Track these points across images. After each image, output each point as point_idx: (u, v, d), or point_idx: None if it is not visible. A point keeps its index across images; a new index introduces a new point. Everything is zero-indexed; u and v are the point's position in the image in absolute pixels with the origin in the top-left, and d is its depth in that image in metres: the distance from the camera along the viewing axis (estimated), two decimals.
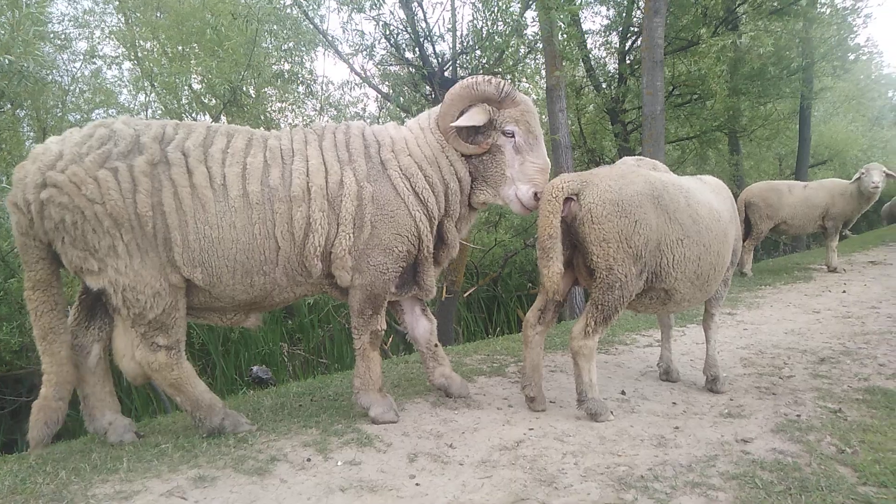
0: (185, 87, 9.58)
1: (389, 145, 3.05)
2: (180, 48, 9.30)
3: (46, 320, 2.70)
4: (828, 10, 12.17)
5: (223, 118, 10.26)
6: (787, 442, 2.91)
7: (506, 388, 3.66)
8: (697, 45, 10.18)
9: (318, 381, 3.73)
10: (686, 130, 12.40)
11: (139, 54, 9.46)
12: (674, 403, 3.45)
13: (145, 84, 9.32)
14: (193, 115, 10.51)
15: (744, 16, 10.73)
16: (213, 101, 9.69)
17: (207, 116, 10.37)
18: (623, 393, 3.61)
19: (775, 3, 10.70)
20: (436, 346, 3.40)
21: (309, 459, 2.61)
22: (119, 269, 2.58)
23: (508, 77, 8.36)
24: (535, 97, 12.99)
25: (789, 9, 10.65)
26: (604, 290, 3.06)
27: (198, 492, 2.34)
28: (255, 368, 6.49)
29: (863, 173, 8.36)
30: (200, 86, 9.72)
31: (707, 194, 3.47)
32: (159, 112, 10.04)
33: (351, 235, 2.88)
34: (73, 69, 8.51)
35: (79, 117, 8.17)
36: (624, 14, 11.31)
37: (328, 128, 3.08)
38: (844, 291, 7.11)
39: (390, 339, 8.70)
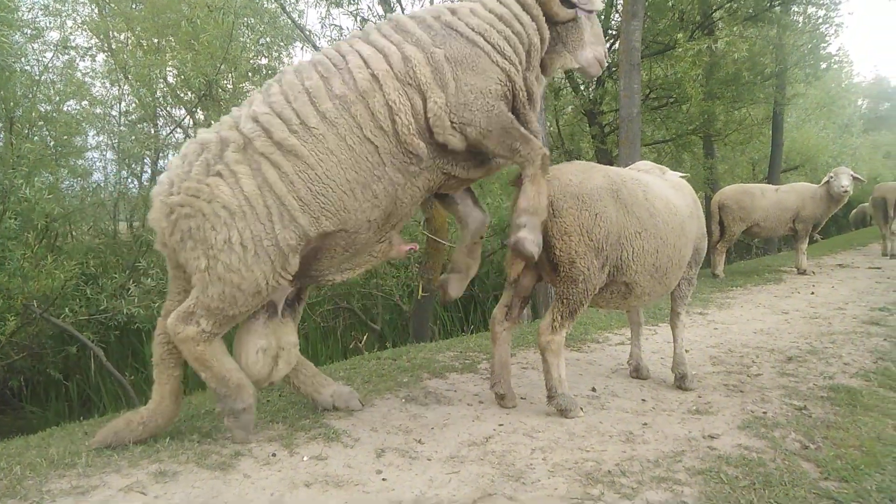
0: (161, 80, 9.44)
1: (449, 13, 3.07)
2: (155, 40, 9.15)
3: (165, 350, 2.77)
4: (801, 19, 12.41)
5: (199, 112, 10.15)
6: (753, 438, 2.95)
7: (477, 384, 3.65)
8: (674, 49, 10.29)
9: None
10: (662, 133, 12.55)
11: (113, 46, 9.29)
12: (643, 400, 3.47)
13: (119, 76, 9.15)
14: (168, 108, 10.37)
15: (719, 21, 10.88)
16: (189, 94, 9.56)
17: (182, 110, 10.24)
18: (593, 390, 3.63)
19: (750, 10, 10.86)
20: (481, 238, 3.46)
21: (274, 454, 2.57)
22: (230, 266, 2.59)
23: None
24: None
25: (764, 15, 10.83)
26: (567, 283, 3.09)
27: (158, 487, 2.29)
28: None
29: (832, 177, 8.55)
30: (175, 79, 9.59)
31: (666, 190, 3.52)
32: (133, 105, 9.87)
33: (438, 97, 2.84)
34: (45, 59, 8.32)
35: (49, 108, 7.99)
36: (602, 17, 11.40)
37: (370, 26, 3.08)
38: (813, 293, 7.24)
39: (365, 337, 8.66)
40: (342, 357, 5.63)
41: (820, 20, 12.41)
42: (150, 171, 10.55)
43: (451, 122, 2.87)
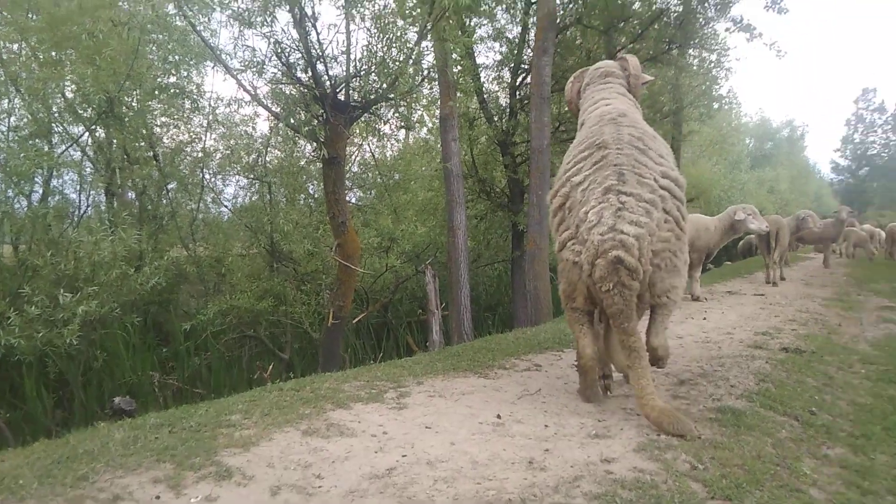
0: (58, 95, 8.89)
1: None
2: (54, 53, 8.62)
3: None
4: (696, 62, 13.41)
5: (99, 130, 9.60)
6: (647, 461, 3.06)
7: (382, 414, 3.60)
8: None
9: (180, 412, 3.47)
10: None
11: (4, 57, 8.67)
12: (546, 426, 3.53)
13: (10, 89, 8.53)
14: (65, 124, 9.76)
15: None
16: (89, 110, 9.06)
17: (81, 127, 9.67)
18: (499, 416, 3.66)
19: (651, 52, 11.62)
20: None
21: (158, 497, 2.40)
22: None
23: (403, 104, 8.44)
24: (430, 126, 13.24)
25: (662, 57, 11.61)
26: None
27: None
28: (117, 400, 5.97)
29: (746, 216, 9.38)
30: (74, 94, 9.06)
31: None
32: (25, 119, 9.22)
33: None
34: None
35: None
36: (515, 51, 11.83)
37: None
38: (705, 318, 7.69)
39: (271, 366, 8.37)
40: (248, 388, 5.39)
41: (712, 64, 13.47)
42: (41, 190, 9.88)
43: None
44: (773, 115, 56.99)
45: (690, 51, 12.68)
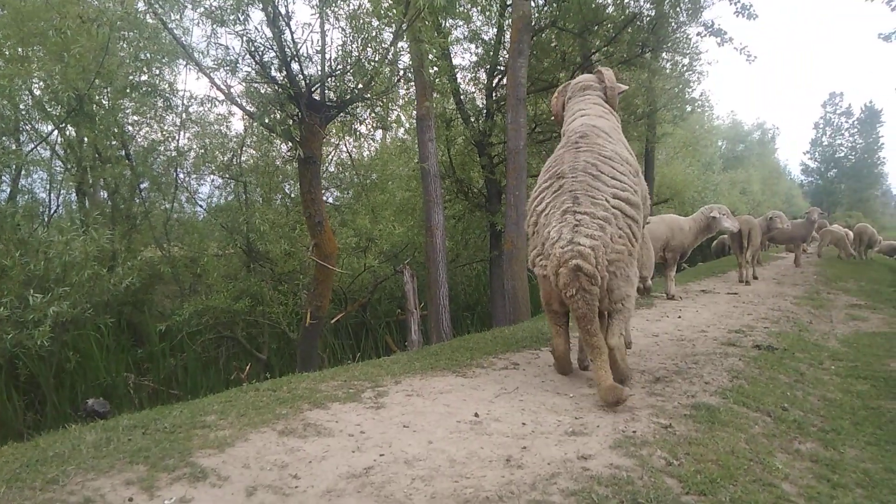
0: (26, 92, 8.69)
1: None
2: (20, 50, 8.42)
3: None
4: (669, 65, 13.59)
5: (69, 128, 9.40)
6: (623, 457, 3.09)
7: (360, 413, 3.58)
8: (557, 86, 10.88)
9: (154, 413, 3.41)
10: None
11: None
12: (523, 424, 3.55)
13: None
14: (33, 122, 9.55)
15: (597, 63, 11.66)
16: (58, 108, 8.88)
17: (50, 125, 9.47)
18: (476, 415, 3.66)
19: (624, 55, 11.75)
20: None
21: (131, 499, 2.36)
22: None
23: (379, 104, 8.42)
24: (406, 126, 13.23)
25: (636, 60, 11.75)
26: None
27: None
28: (90, 401, 5.86)
29: (718, 216, 9.52)
30: (43, 92, 8.87)
31: None
32: None
33: None
34: None
35: None
36: (491, 53, 11.87)
37: None
38: (680, 317, 7.79)
39: (248, 367, 8.29)
40: (225, 388, 5.31)
41: (685, 68, 13.66)
42: (9, 189, 9.65)
43: None
44: (744, 118, 58.17)
45: (663, 54, 12.85)
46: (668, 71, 13.46)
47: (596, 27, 11.58)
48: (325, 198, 10.80)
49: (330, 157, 12.04)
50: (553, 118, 5.98)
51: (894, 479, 3.36)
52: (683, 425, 3.63)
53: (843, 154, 59.62)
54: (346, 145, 12.31)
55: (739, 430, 3.69)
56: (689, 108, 15.45)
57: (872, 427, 4.22)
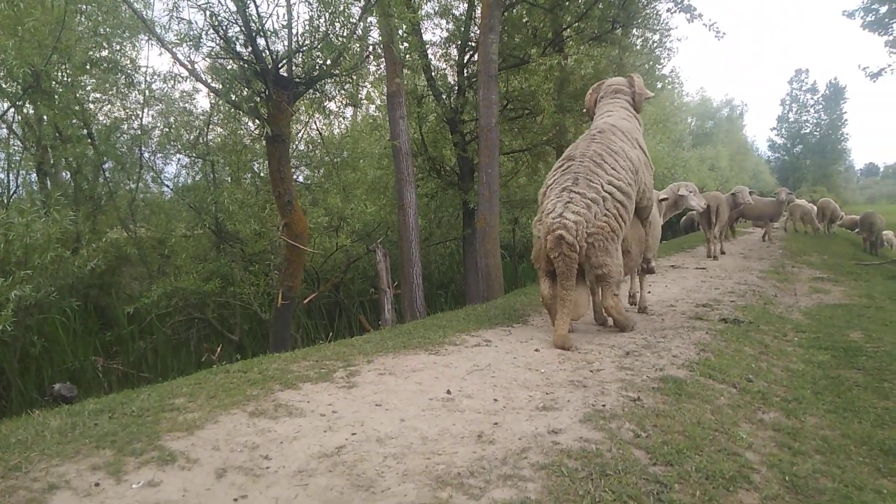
0: None
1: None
2: None
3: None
4: (639, 42, 13.59)
5: (26, 105, 9.07)
6: (593, 430, 3.14)
7: (332, 393, 3.57)
8: (528, 63, 10.84)
9: (120, 397, 3.35)
10: (519, 143, 13.14)
11: None
12: (495, 400, 3.58)
13: None
14: None
15: (569, 39, 11.61)
16: (15, 86, 8.55)
17: (6, 103, 9.13)
18: (448, 392, 3.68)
19: (595, 31, 11.70)
20: None
21: (97, 484, 2.33)
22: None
23: (349, 81, 8.28)
24: (377, 103, 13.04)
25: (607, 36, 11.71)
26: None
27: None
28: (57, 386, 5.75)
29: (686, 194, 9.57)
30: None
31: None
32: None
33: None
34: None
35: None
36: (462, 28, 11.73)
37: None
38: (650, 292, 7.91)
39: (219, 348, 8.21)
40: (196, 371, 5.24)
41: (655, 44, 13.67)
42: None
43: None
44: (713, 95, 58.59)
45: (634, 31, 12.82)
46: (638, 47, 13.45)
47: (567, 2, 11.50)
48: (295, 176, 10.66)
49: (299, 134, 11.84)
50: (585, 111, 6.83)
51: (850, 445, 3.49)
52: (651, 398, 3.70)
53: (808, 130, 60.80)
54: (315, 123, 12.12)
55: (705, 401, 3.78)
56: (659, 85, 15.48)
57: (832, 395, 4.36)
